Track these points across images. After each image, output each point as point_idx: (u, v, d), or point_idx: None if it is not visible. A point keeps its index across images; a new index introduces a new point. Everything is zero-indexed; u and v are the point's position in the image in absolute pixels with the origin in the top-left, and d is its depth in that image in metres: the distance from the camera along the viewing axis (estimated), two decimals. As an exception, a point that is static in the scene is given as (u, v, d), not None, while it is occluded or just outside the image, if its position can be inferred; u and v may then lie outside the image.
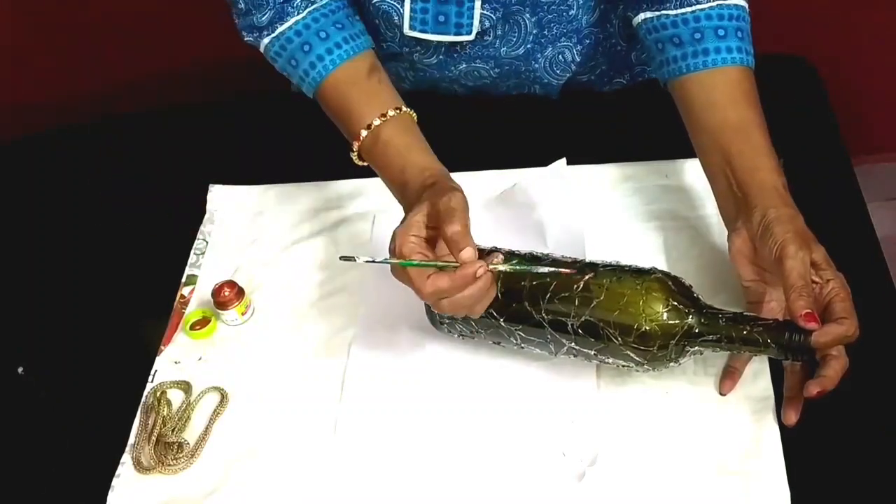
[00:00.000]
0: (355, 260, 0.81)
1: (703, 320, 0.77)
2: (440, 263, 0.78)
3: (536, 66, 1.07)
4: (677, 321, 0.77)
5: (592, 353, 0.80)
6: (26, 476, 0.90)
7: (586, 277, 0.79)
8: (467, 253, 0.76)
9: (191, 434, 0.89)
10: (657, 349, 0.77)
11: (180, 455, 0.87)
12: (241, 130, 1.12)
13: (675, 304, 0.77)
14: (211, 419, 0.89)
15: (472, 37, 1.00)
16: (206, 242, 1.06)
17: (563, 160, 1.02)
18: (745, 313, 0.79)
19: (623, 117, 1.10)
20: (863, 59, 1.50)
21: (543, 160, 1.03)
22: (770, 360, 0.84)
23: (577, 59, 1.07)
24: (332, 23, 0.96)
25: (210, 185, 1.10)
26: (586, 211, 1.00)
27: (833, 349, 0.76)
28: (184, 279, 1.02)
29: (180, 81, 1.48)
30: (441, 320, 0.86)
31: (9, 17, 1.45)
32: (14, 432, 0.94)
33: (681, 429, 0.81)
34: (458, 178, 1.03)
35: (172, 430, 0.89)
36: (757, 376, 0.83)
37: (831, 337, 0.74)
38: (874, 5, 1.46)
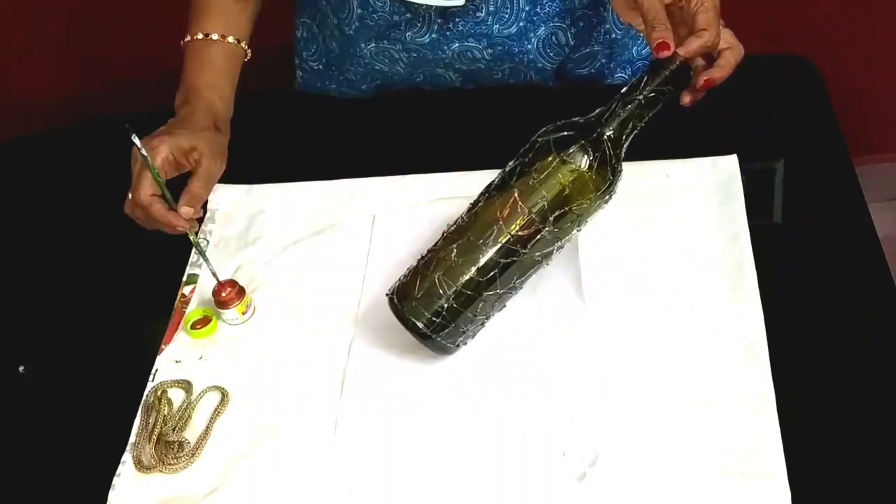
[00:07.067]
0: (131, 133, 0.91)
1: (609, 133, 0.81)
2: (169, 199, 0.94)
3: (529, 46, 1.07)
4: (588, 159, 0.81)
5: (570, 225, 0.82)
6: (26, 476, 0.90)
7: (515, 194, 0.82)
8: (188, 212, 0.95)
9: (191, 433, 0.89)
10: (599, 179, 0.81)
11: (181, 454, 0.87)
12: (241, 130, 1.12)
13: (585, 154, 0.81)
14: (211, 418, 0.89)
15: (462, 2, 1.01)
16: (207, 241, 1.06)
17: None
18: (631, 83, 0.82)
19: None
20: (864, 60, 1.51)
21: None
22: (771, 361, 0.83)
23: (571, 43, 1.08)
24: None
25: (211, 184, 1.10)
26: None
27: (724, 42, 0.83)
28: (185, 278, 1.02)
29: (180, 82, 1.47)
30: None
31: (9, 17, 1.45)
32: (14, 432, 0.94)
33: (681, 429, 0.81)
34: (458, 177, 1.04)
35: (173, 430, 0.89)
36: (757, 376, 0.83)
37: (692, 49, 0.81)
38: (876, 6, 1.46)
